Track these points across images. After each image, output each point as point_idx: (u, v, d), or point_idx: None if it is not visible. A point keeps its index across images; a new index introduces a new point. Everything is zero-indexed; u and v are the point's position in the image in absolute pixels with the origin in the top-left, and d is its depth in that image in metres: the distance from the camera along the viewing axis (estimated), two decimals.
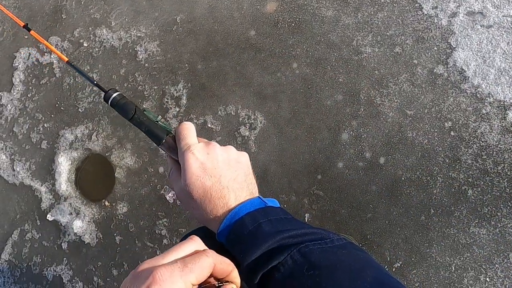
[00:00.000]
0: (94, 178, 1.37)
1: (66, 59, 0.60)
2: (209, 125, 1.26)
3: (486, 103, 1.02)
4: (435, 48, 1.09)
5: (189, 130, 0.51)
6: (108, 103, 0.54)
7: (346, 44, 1.17)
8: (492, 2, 1.06)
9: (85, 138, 1.41)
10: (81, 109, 1.44)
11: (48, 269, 1.36)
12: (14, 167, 1.48)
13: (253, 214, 0.45)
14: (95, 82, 0.58)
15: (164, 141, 0.52)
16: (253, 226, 0.44)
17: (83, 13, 1.53)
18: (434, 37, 1.09)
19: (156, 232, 1.26)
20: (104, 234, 1.32)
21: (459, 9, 1.08)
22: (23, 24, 0.71)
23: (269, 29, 1.26)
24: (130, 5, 1.45)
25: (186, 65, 1.33)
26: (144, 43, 1.40)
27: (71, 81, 1.48)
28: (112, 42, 1.45)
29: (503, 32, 1.04)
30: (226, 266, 0.38)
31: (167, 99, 1.33)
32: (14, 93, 1.55)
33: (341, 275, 0.37)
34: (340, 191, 1.11)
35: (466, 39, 1.06)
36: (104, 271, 1.31)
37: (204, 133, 1.26)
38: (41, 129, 1.48)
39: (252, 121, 1.22)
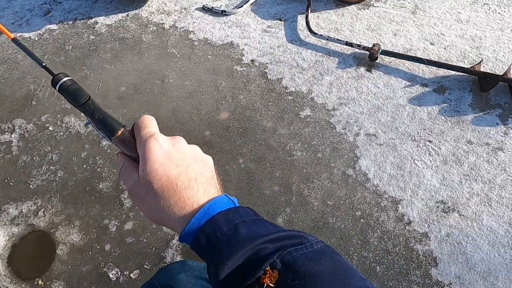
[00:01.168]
0: (31, 255, 1.33)
1: (12, 36, 0.55)
2: None
3: (383, 198, 1.35)
4: (346, 156, 1.46)
5: (151, 121, 0.46)
6: (56, 88, 0.49)
7: (281, 147, 1.49)
8: (381, 128, 1.51)
9: (30, 214, 1.41)
10: (33, 186, 1.48)
11: None
12: None
13: (226, 213, 0.40)
14: (43, 64, 0.52)
15: (120, 132, 0.46)
16: (228, 228, 0.39)
17: (54, 103, 1.71)
18: (345, 148, 1.47)
19: None
20: None
21: (360, 131, 1.51)
22: None
23: (222, 132, 1.56)
24: (102, 100, 1.68)
25: None
26: None
27: (28, 159, 1.55)
28: (78, 129, 1.61)
29: (390, 149, 1.45)
30: None
31: None
32: None
33: (327, 285, 0.35)
34: None
35: (366, 152, 1.46)
36: None
37: None
38: None
39: None
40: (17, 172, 1.52)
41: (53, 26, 2.01)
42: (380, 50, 1.65)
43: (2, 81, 1.80)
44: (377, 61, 1.68)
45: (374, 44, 1.67)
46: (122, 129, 0.46)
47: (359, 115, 1.55)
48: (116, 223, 1.37)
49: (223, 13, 1.95)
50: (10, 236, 1.37)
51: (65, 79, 0.48)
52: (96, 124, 0.48)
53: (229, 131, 1.56)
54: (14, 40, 0.56)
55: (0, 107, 1.72)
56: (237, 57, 1.78)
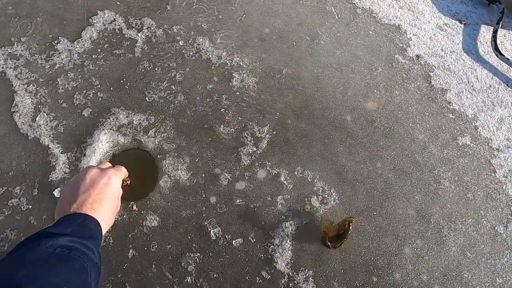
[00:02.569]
0: (130, 173, 1.19)
1: None
2: (282, 179, 1.21)
3: None
4: (500, 209, 1.23)
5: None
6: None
7: (428, 169, 1.28)
8: None
9: (140, 129, 1.26)
10: (149, 99, 1.31)
11: None
12: (37, 118, 1.24)
13: None
14: None
15: None
16: None
17: (190, 16, 1.50)
18: (501, 200, 1.25)
19: (182, 264, 1.08)
20: (117, 240, 1.10)
21: None
22: None
23: (365, 123, 1.34)
24: (242, 34, 1.47)
25: (278, 113, 1.32)
26: (243, 73, 1.38)
27: (150, 67, 1.37)
28: (210, 56, 1.41)
29: None
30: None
31: (247, 134, 1.28)
32: (77, 46, 1.38)
33: None
34: None
35: None
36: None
37: (274, 185, 1.20)
38: (91, 95, 1.30)
39: (326, 196, 1.20)
40: (135, 77, 1.35)
41: None
42: None
43: None
44: None
45: None
46: None
47: None
48: (228, 177, 1.20)
49: None
50: (114, 144, 1.23)
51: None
52: None
53: (374, 126, 1.34)
54: None
55: None
56: (401, 45, 1.52)
